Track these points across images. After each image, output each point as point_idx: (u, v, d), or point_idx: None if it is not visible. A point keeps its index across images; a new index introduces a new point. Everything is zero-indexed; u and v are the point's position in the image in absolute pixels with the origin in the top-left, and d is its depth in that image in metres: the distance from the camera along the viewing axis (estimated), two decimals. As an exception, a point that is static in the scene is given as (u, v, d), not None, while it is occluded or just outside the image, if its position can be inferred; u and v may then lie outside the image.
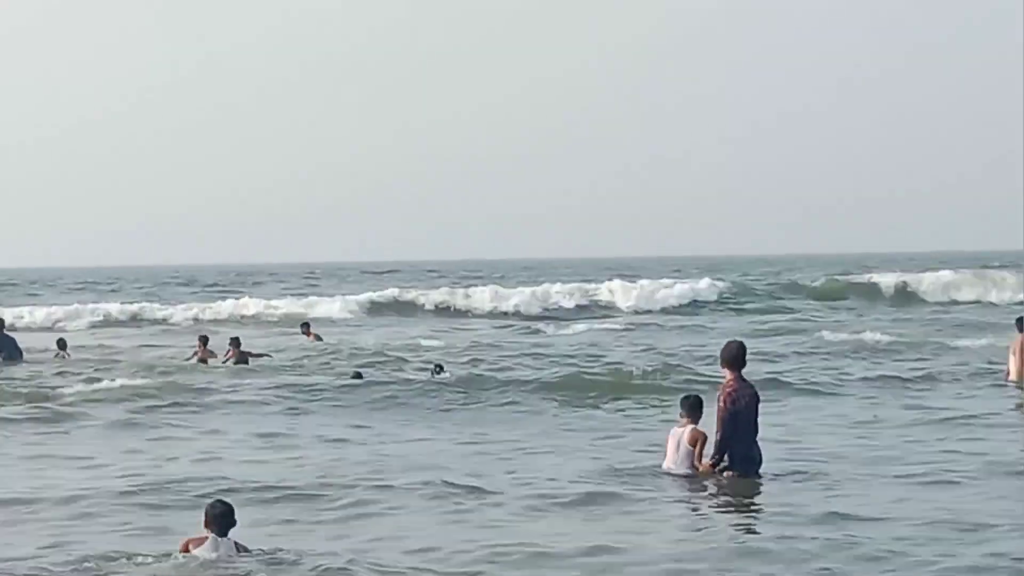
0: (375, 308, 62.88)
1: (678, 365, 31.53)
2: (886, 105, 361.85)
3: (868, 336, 39.97)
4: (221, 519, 12.34)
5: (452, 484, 16.23)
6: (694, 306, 63.39)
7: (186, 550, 12.39)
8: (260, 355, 34.83)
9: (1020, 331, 26.81)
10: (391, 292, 66.90)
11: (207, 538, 12.33)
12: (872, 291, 68.21)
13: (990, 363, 30.58)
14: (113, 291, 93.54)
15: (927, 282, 68.38)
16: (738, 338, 17.14)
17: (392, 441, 21.10)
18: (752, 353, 32.85)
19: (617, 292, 65.69)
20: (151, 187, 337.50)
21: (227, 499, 13.01)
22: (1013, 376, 26.75)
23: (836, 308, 61.66)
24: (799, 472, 16.79)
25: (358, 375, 29.47)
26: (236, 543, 12.39)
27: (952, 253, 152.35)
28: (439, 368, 29.28)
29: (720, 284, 69.18)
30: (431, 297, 65.21)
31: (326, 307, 61.54)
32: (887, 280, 69.22)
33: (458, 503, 15.45)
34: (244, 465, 18.41)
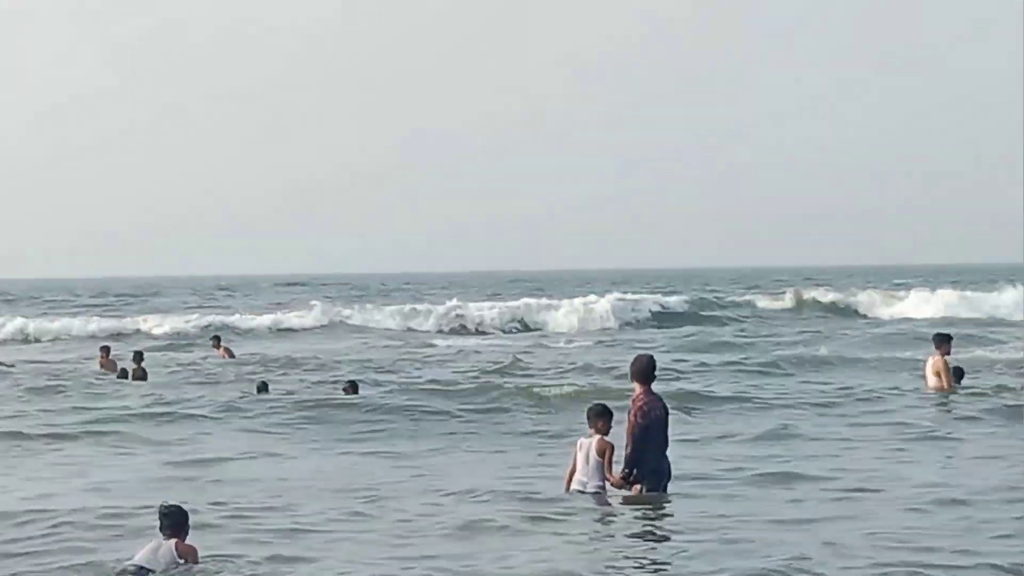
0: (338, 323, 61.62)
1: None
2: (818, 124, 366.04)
3: (803, 350, 39.90)
4: (162, 520, 12.49)
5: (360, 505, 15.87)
6: (655, 318, 63.19)
7: None
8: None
9: (937, 348, 26.43)
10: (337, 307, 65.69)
11: (156, 539, 12.46)
12: (812, 305, 69.13)
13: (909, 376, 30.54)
14: (33, 301, 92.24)
15: (863, 297, 69.70)
16: (647, 352, 16.76)
17: (286, 459, 20.56)
18: (672, 366, 33.24)
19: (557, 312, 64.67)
20: (47, 201, 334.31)
21: (178, 504, 12.81)
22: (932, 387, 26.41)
23: (777, 322, 61.66)
24: (701, 491, 16.57)
25: (263, 386, 28.81)
26: (179, 546, 12.34)
27: (871, 267, 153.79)
28: (351, 385, 28.56)
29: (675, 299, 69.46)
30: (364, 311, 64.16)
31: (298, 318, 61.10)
32: (824, 295, 70.61)
33: (355, 520, 15.04)
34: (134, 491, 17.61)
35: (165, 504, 12.74)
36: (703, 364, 35.97)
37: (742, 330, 55.77)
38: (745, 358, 37.76)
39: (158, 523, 12.53)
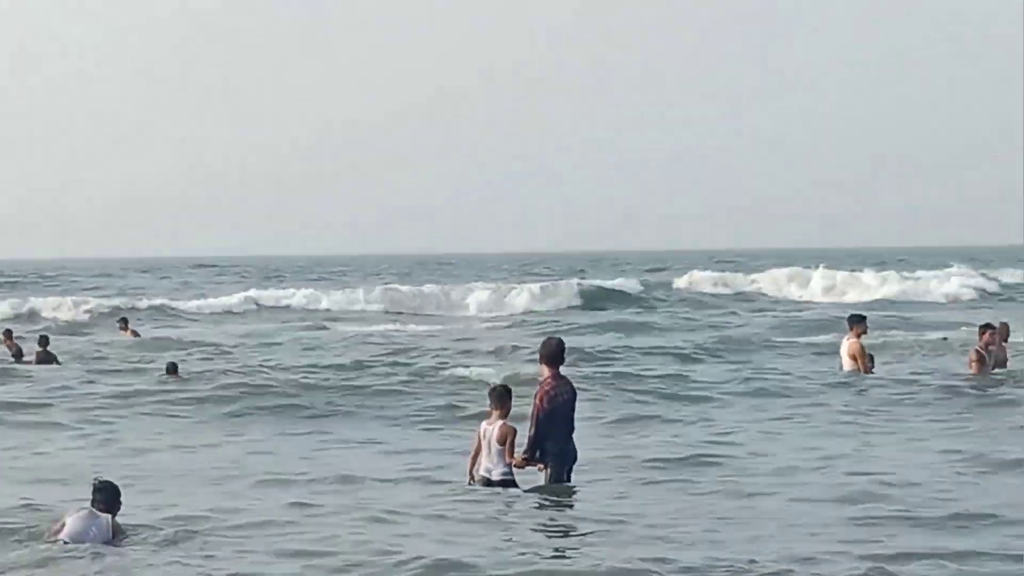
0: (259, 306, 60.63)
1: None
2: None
3: (723, 333, 40.19)
4: (97, 494, 12.69)
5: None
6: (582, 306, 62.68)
7: (60, 525, 12.57)
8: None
9: (851, 329, 26.18)
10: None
11: (86, 509, 12.61)
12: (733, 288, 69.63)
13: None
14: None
15: (789, 280, 70.32)
16: (556, 335, 16.53)
17: (190, 444, 20.25)
18: (591, 349, 32.94)
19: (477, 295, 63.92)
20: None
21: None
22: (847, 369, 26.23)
23: (700, 305, 61.64)
24: (608, 476, 16.52)
25: (172, 368, 28.28)
26: (115, 523, 12.55)
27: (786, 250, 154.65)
28: (172, 368, 28.17)
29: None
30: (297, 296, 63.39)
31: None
32: (745, 279, 71.19)
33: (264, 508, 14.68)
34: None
35: (99, 479, 12.92)
36: (624, 347, 35.77)
37: (663, 313, 55.77)
38: (663, 341, 37.76)
39: (91, 497, 12.65)
